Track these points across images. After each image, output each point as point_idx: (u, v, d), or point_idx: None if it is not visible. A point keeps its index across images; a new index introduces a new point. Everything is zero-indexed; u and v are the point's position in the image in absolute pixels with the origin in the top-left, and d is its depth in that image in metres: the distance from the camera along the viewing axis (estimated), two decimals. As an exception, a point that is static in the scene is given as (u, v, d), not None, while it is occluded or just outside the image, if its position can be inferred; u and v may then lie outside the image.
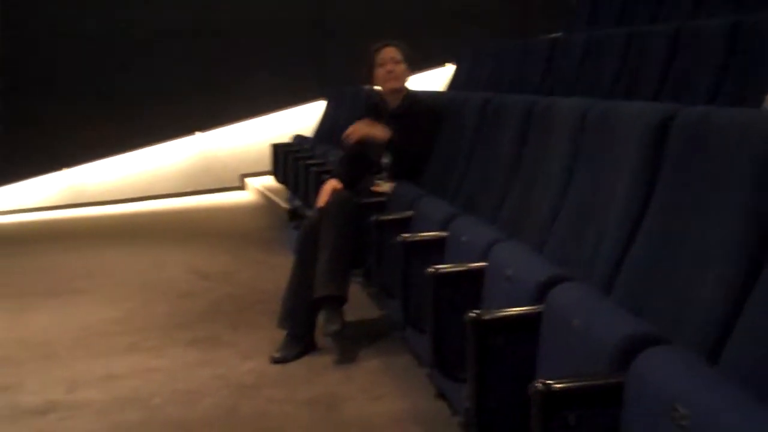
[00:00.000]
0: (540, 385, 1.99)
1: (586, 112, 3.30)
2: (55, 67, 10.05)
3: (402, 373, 4.13)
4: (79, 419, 3.86)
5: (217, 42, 10.45)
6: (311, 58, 10.62)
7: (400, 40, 5.06)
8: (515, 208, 3.76)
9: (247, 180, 10.58)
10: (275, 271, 5.62)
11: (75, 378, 4.34)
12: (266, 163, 8.99)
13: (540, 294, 2.52)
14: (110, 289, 6.07)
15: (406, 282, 3.60)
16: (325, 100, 9.32)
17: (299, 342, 4.44)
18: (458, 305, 2.76)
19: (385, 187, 4.74)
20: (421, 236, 3.66)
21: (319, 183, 5.36)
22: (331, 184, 4.83)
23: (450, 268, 3.12)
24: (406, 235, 3.68)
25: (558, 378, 2.01)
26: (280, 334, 4.47)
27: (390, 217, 4.19)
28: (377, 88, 5.13)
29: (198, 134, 10.58)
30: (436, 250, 3.49)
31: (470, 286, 3.00)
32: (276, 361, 4.36)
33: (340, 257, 4.38)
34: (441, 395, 3.56)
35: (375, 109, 5.12)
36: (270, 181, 9.19)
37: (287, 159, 7.60)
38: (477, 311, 2.54)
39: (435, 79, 10.04)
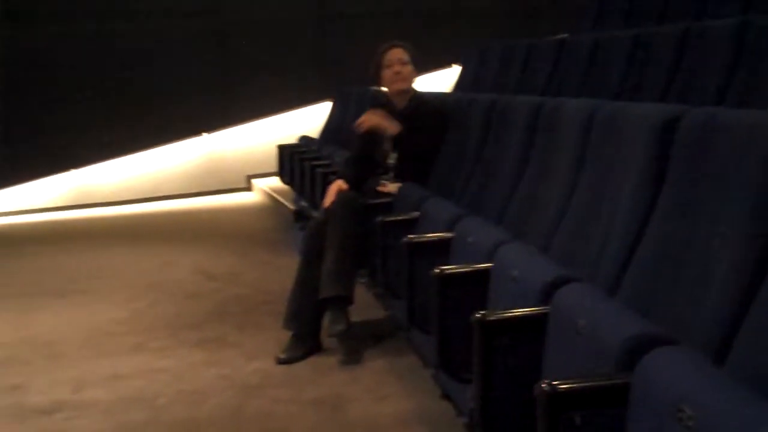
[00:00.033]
0: (546, 385, 1.98)
1: (594, 113, 3.29)
2: (61, 69, 10.05)
3: (407, 373, 4.13)
4: (85, 419, 3.87)
5: (223, 43, 10.47)
6: (317, 59, 10.62)
7: (406, 42, 5.07)
8: (521, 209, 3.76)
9: (254, 181, 10.58)
10: (281, 272, 5.61)
11: (81, 378, 4.35)
12: (272, 164, 9.00)
13: (546, 295, 2.51)
14: (117, 289, 6.08)
15: (412, 283, 3.60)
16: (331, 101, 9.33)
17: (305, 342, 4.44)
18: (464, 306, 2.75)
19: (390, 187, 4.74)
20: (426, 237, 3.66)
21: (325, 184, 5.37)
22: (337, 185, 4.84)
23: (456, 268, 3.12)
24: (412, 235, 3.68)
25: (564, 378, 2.01)
26: (286, 335, 4.48)
27: (396, 217, 4.19)
28: (384, 89, 5.13)
29: (204, 135, 10.59)
30: (441, 250, 3.48)
31: (476, 286, 2.99)
32: (281, 361, 4.37)
33: (345, 258, 4.39)
34: (446, 396, 3.55)
35: (381, 110, 5.12)
36: (276, 182, 9.19)
37: (293, 160, 7.61)
38: (483, 312, 2.54)
39: (441, 81, 10.03)
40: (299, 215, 7.32)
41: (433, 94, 5.74)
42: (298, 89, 10.46)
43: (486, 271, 3.00)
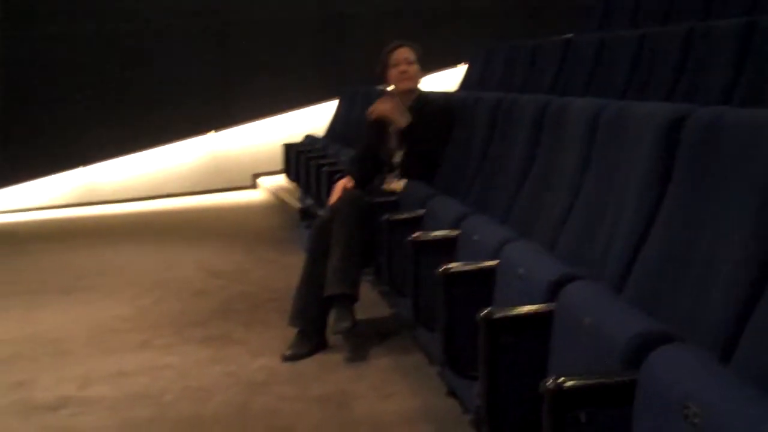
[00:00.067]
0: (551, 382, 1.99)
1: (599, 113, 3.29)
2: (64, 68, 10.08)
3: (413, 371, 4.13)
4: (91, 415, 3.88)
5: (229, 42, 10.49)
6: (323, 58, 10.63)
7: (412, 41, 5.08)
8: (527, 208, 3.76)
9: (259, 179, 10.59)
10: (287, 270, 5.62)
11: (86, 374, 4.36)
12: (278, 162, 9.01)
13: (551, 292, 2.51)
14: (122, 286, 6.09)
15: (417, 281, 3.60)
16: (336, 100, 9.33)
17: (310, 340, 4.45)
18: (469, 304, 2.75)
19: (396, 185, 4.75)
20: (432, 235, 3.66)
21: (331, 182, 5.38)
22: (343, 183, 4.85)
23: (461, 266, 3.12)
24: (418, 233, 3.68)
25: (569, 376, 2.01)
26: (292, 332, 4.48)
27: (401, 216, 4.19)
28: (390, 88, 5.14)
29: (211, 134, 10.60)
30: (447, 249, 3.48)
31: (481, 284, 2.99)
32: (287, 358, 4.37)
33: (351, 256, 4.39)
34: (452, 393, 3.57)
35: (393, 99, 5.13)
36: (282, 180, 9.20)
37: (299, 158, 7.61)
38: (488, 309, 2.55)
39: (447, 80, 10.04)
40: (305, 213, 7.32)
41: (438, 94, 5.75)
42: (303, 88, 10.47)
43: (492, 269, 3.00)
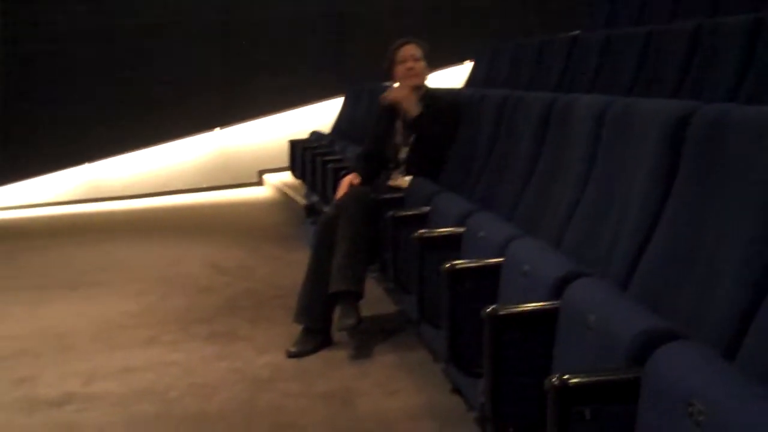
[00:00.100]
0: (556, 379, 1.99)
1: (606, 109, 3.29)
2: (74, 63, 10.09)
3: (417, 368, 4.13)
4: (96, 411, 3.88)
5: (236, 38, 10.48)
6: (330, 55, 10.64)
7: (419, 38, 5.08)
8: (532, 205, 3.76)
9: (265, 176, 10.60)
10: (292, 266, 5.62)
11: (92, 370, 4.36)
12: (284, 159, 9.02)
13: (557, 289, 2.51)
14: (128, 283, 6.10)
15: (423, 277, 3.60)
16: (342, 96, 9.33)
17: (315, 336, 4.45)
18: (474, 301, 2.76)
19: (402, 181, 4.75)
20: (437, 232, 3.67)
21: (337, 179, 5.38)
22: (350, 179, 4.85)
23: (466, 263, 3.12)
24: (423, 230, 3.68)
25: (574, 373, 2.01)
26: (297, 329, 4.48)
27: (407, 212, 4.19)
28: (397, 84, 5.14)
29: (217, 130, 10.61)
30: (452, 245, 3.48)
31: (487, 281, 2.99)
32: (292, 355, 4.37)
33: (356, 253, 4.39)
34: (456, 390, 3.57)
35: (394, 105, 5.13)
36: (287, 177, 9.21)
37: (305, 155, 7.61)
38: (493, 306, 2.55)
39: (453, 77, 10.03)
40: (310, 210, 7.34)
41: (445, 90, 5.75)
42: (309, 85, 10.48)
43: (497, 265, 3.00)
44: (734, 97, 4.31)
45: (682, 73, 4.89)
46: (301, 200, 8.20)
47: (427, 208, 4.08)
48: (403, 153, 4.90)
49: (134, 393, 4.04)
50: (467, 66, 9.54)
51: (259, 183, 10.67)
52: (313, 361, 4.33)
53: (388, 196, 4.62)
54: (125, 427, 3.71)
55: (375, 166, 5.00)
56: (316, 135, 8.68)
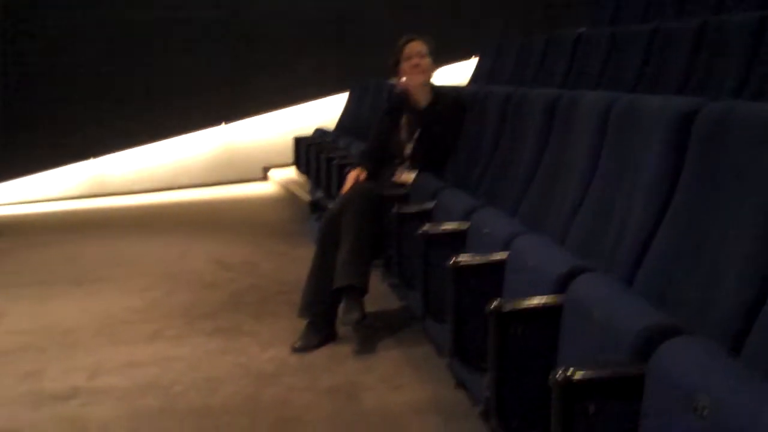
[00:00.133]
0: (560, 374, 1.99)
1: (611, 106, 3.29)
2: (80, 58, 10.09)
3: (422, 362, 4.13)
4: (101, 405, 3.88)
5: (242, 33, 10.48)
6: (335, 51, 10.63)
7: (425, 34, 5.08)
8: (537, 201, 3.76)
9: (270, 172, 10.60)
10: (297, 262, 5.63)
11: (97, 365, 4.37)
12: (289, 155, 9.03)
13: (561, 285, 2.52)
14: (133, 278, 6.10)
15: (427, 273, 3.60)
16: (347, 92, 9.33)
17: (320, 331, 4.45)
18: (479, 296, 2.76)
19: (407, 177, 4.75)
20: (442, 228, 3.67)
21: (341, 175, 5.39)
22: (356, 173, 4.86)
23: (471, 259, 3.13)
24: (428, 226, 3.68)
25: (578, 368, 2.01)
26: (301, 324, 4.49)
27: (411, 208, 4.20)
28: (402, 80, 5.14)
29: (222, 125, 10.62)
30: (457, 241, 3.49)
31: (491, 277, 3.00)
32: (296, 350, 4.38)
33: (361, 248, 4.40)
34: (461, 385, 3.57)
35: (399, 102, 5.13)
36: (292, 173, 9.21)
37: (309, 151, 7.62)
38: (498, 301, 2.55)
39: (458, 73, 10.02)
40: (315, 206, 7.33)
41: (450, 88, 5.75)
42: (316, 80, 10.48)
43: (501, 261, 3.01)
44: (739, 94, 4.32)
45: (687, 71, 4.89)
46: (306, 196, 8.19)
47: (431, 204, 4.09)
48: (408, 149, 4.90)
49: (139, 387, 4.05)
50: (472, 62, 9.53)
51: (264, 179, 10.67)
52: (317, 355, 4.33)
53: (393, 191, 4.62)
54: (130, 422, 3.72)
55: (380, 162, 5.00)
56: (321, 131, 8.68)
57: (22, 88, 10.02)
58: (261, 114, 10.64)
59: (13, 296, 5.80)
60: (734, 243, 2.29)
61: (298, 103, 10.62)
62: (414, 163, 4.86)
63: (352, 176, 4.87)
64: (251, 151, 10.69)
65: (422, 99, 4.98)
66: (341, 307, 4.41)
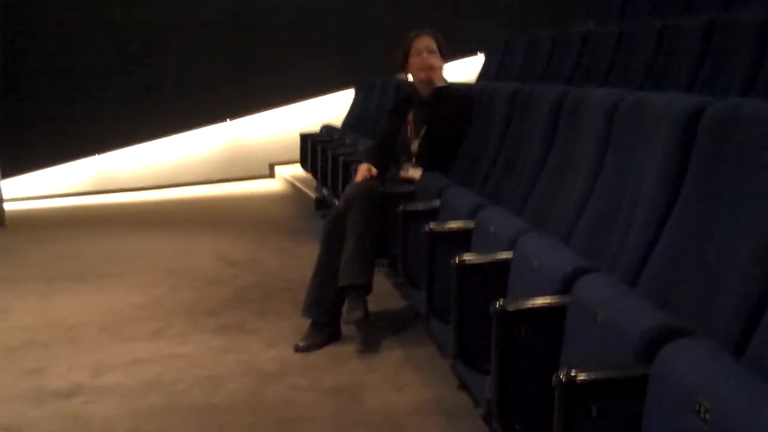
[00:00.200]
0: (563, 375, 1.97)
1: (618, 103, 3.26)
2: (85, 55, 10.09)
3: (425, 363, 4.12)
4: (104, 403, 3.88)
5: (247, 30, 10.48)
6: (341, 47, 10.61)
7: (434, 30, 5.05)
8: (543, 199, 3.73)
9: (276, 169, 10.60)
10: (301, 260, 5.62)
11: (100, 362, 4.36)
12: (295, 152, 9.00)
13: (565, 285, 2.50)
14: (138, 275, 6.10)
15: (432, 272, 3.59)
16: (353, 88, 9.32)
17: (323, 331, 4.44)
18: (483, 296, 2.74)
19: (414, 173, 4.73)
20: (447, 226, 3.65)
21: (347, 173, 5.37)
22: (366, 167, 4.83)
23: (476, 258, 3.11)
24: (433, 224, 3.66)
25: (582, 369, 1.99)
26: (305, 323, 4.48)
27: (417, 206, 4.18)
28: (410, 76, 5.13)
29: (228, 121, 10.61)
30: (462, 240, 3.47)
31: (496, 276, 2.98)
32: (300, 349, 4.37)
33: (365, 247, 4.38)
34: (464, 386, 3.56)
35: (406, 98, 5.11)
36: (298, 170, 9.20)
37: (315, 148, 7.60)
38: (502, 302, 2.53)
39: (466, 69, 10.00)
40: (321, 203, 7.33)
41: (458, 84, 5.73)
42: (322, 77, 10.47)
43: (506, 260, 2.99)
44: (747, 92, 4.29)
45: (695, 69, 4.86)
46: (312, 193, 8.19)
47: (437, 202, 4.07)
48: (415, 146, 4.88)
49: (142, 385, 4.05)
50: (479, 58, 9.51)
51: (271, 176, 10.67)
52: (320, 355, 4.32)
53: (397, 189, 4.60)
54: (133, 419, 3.71)
55: (386, 160, 4.98)
56: (327, 128, 8.67)
57: (28, 85, 10.01)
58: (267, 110, 10.64)
59: (17, 292, 5.79)
60: (739, 243, 2.27)
61: (304, 99, 10.62)
62: (421, 160, 4.83)
63: (363, 168, 4.84)
64: (257, 148, 10.69)
65: (429, 95, 4.95)
66: (345, 305, 4.39)
